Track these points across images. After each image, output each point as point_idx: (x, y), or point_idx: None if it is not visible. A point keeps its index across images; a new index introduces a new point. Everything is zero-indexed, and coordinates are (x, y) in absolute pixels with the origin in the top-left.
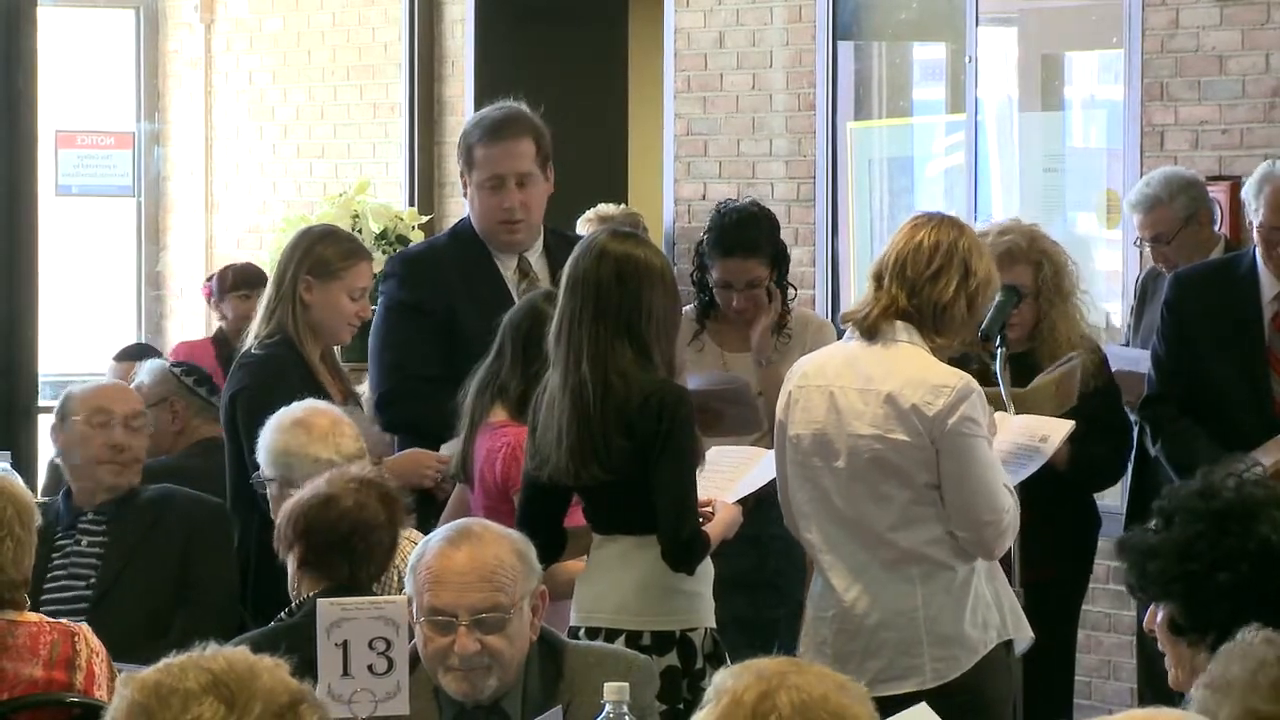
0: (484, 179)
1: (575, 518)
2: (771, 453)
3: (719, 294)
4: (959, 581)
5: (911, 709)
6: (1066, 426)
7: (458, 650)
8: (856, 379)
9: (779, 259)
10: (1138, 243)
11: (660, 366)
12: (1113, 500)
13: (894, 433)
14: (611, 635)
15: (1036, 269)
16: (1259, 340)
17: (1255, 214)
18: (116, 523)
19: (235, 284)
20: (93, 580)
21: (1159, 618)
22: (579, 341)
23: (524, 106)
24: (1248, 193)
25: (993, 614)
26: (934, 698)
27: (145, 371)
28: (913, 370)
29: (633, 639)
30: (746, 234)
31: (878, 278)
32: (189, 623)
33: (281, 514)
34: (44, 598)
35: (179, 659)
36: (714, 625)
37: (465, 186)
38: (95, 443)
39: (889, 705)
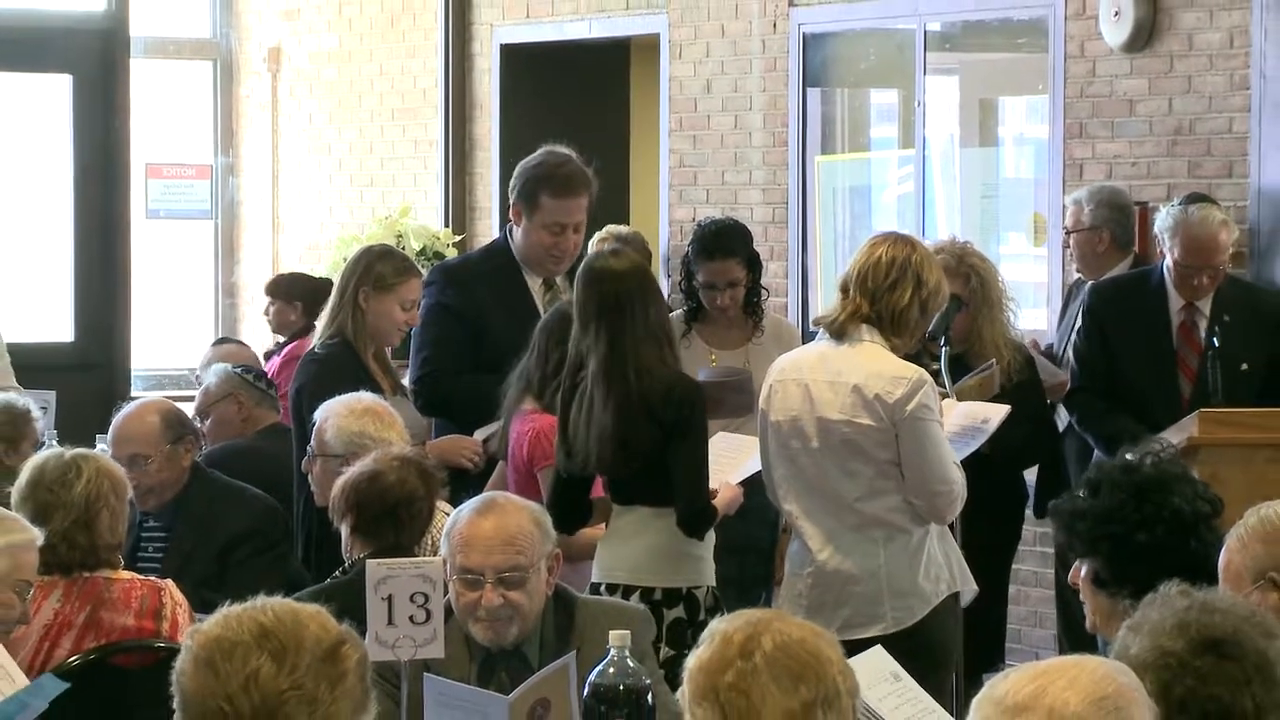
0: (549, 223)
1: (596, 489)
2: None
3: (704, 294)
4: (914, 543)
5: (868, 651)
6: (1003, 410)
7: (484, 604)
8: (826, 373)
9: (753, 263)
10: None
11: (674, 358)
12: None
13: (860, 418)
14: (628, 591)
15: (965, 281)
16: (1168, 345)
17: (1170, 251)
18: (174, 529)
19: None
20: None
21: (1083, 572)
22: (622, 356)
23: (579, 160)
24: (1161, 229)
25: (943, 570)
26: (893, 641)
27: (211, 373)
28: (875, 365)
29: (646, 594)
30: (724, 240)
31: (844, 288)
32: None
33: (335, 488)
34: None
35: (235, 611)
36: (714, 584)
37: (518, 216)
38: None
39: (856, 648)
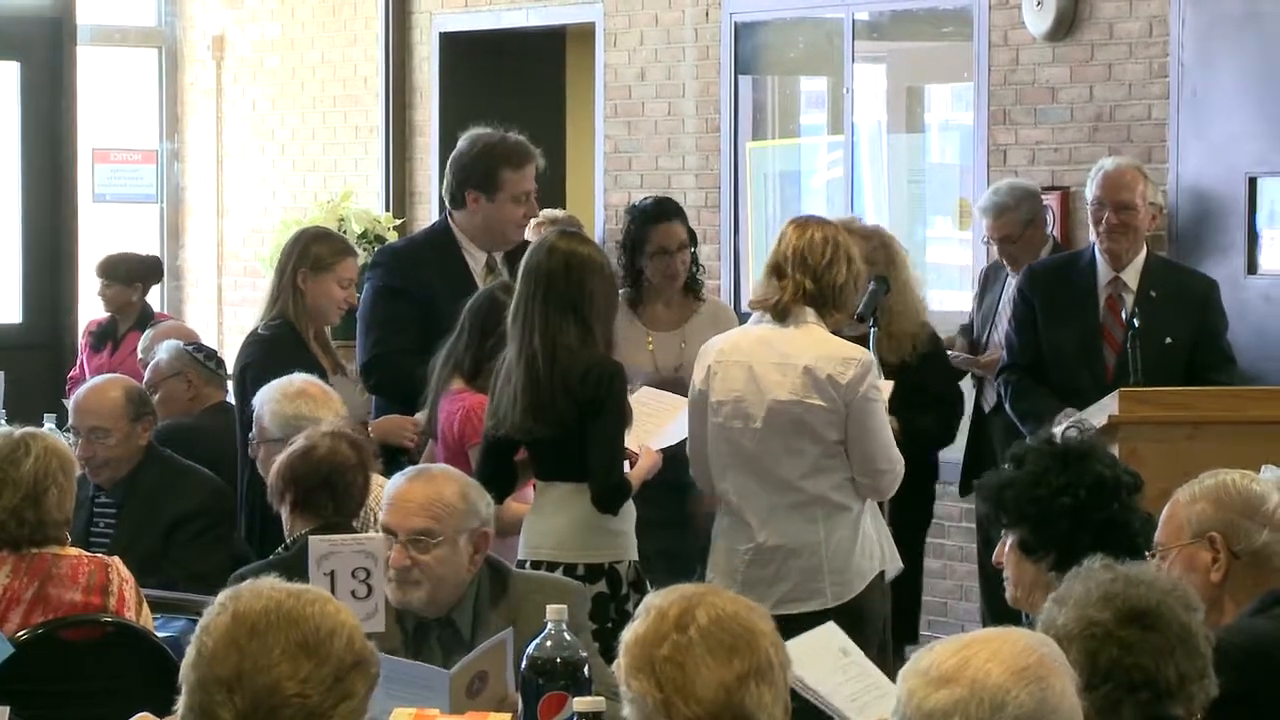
0: (516, 194)
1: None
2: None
3: (657, 262)
4: (853, 519)
5: (820, 627)
6: (888, 387)
7: (392, 563)
8: (772, 354)
9: (692, 234)
10: (986, 241)
11: (600, 343)
12: (953, 453)
13: (811, 398)
14: (552, 566)
15: (867, 241)
16: (1094, 317)
17: (1090, 199)
18: (125, 506)
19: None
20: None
21: (1009, 542)
22: (532, 321)
23: (511, 130)
24: (1088, 187)
25: (876, 547)
26: (828, 616)
27: (163, 350)
28: (822, 347)
29: (569, 570)
30: (667, 205)
31: (778, 271)
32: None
33: (272, 472)
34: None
35: (277, 590)
36: (636, 558)
37: (476, 202)
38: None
39: (792, 622)
